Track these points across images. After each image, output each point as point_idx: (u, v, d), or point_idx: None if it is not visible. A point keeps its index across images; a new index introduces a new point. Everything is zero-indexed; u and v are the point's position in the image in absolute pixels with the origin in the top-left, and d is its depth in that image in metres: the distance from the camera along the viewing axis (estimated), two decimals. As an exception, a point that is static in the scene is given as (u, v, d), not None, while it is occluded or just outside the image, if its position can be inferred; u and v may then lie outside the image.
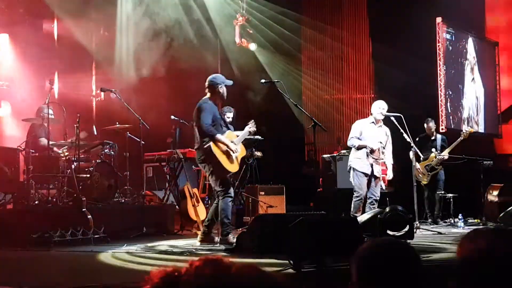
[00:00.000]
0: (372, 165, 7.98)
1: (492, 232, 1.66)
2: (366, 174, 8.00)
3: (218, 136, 6.71)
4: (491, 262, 1.55)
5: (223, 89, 6.86)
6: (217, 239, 6.90)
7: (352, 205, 7.97)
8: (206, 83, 6.89)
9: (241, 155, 7.13)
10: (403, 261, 1.65)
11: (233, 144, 6.83)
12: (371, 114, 8.25)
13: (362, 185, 8.00)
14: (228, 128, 7.51)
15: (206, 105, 6.75)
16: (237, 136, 7.20)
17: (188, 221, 8.81)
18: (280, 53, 13.16)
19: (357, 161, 8.06)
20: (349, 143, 8.20)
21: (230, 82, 7.01)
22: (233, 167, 6.89)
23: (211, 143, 6.66)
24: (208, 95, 6.85)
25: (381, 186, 8.14)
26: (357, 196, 7.99)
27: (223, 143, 6.73)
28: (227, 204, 6.76)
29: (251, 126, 7.31)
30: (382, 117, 8.13)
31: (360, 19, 13.55)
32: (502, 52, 13.50)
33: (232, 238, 6.67)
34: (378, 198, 8.06)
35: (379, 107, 8.15)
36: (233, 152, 6.81)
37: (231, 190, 6.90)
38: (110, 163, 8.92)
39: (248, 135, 7.41)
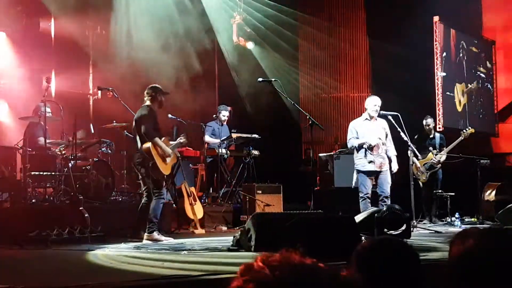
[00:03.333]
0: (373, 162, 8.04)
1: (481, 232, 1.66)
2: (369, 173, 8.06)
3: (157, 139, 7.22)
4: (479, 261, 1.56)
5: (160, 97, 7.44)
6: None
7: (361, 206, 7.94)
8: (146, 92, 7.45)
9: (172, 162, 7.70)
10: (402, 260, 1.66)
11: (168, 149, 7.34)
12: (366, 110, 8.28)
13: (366, 185, 8.06)
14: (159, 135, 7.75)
15: (146, 111, 7.28)
16: (171, 144, 7.65)
17: (185, 219, 8.81)
18: (277, 52, 13.16)
19: (359, 161, 8.12)
20: (349, 145, 8.30)
21: (167, 93, 7.67)
22: (166, 170, 7.42)
23: (150, 145, 7.13)
24: (148, 102, 7.38)
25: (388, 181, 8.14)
26: (361, 197, 8.00)
27: (160, 147, 7.24)
28: (158, 205, 7.27)
29: (182, 139, 7.83)
30: (376, 114, 8.16)
31: (357, 17, 13.56)
32: (499, 51, 13.54)
33: (157, 235, 7.14)
34: (388, 195, 8.05)
35: (374, 104, 8.19)
36: (167, 157, 7.34)
37: (164, 192, 7.52)
38: (107, 162, 8.92)
39: (179, 146, 7.99)
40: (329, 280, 1.18)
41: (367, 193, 8.04)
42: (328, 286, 1.17)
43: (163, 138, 7.43)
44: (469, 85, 12.75)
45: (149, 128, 7.16)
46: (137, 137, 7.30)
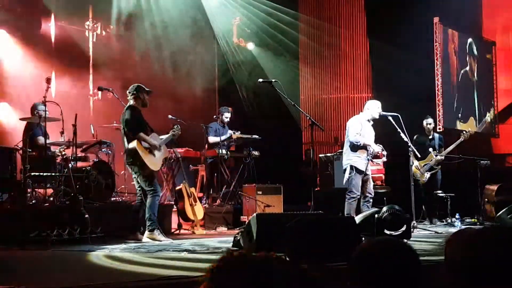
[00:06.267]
0: (367, 163, 7.99)
1: (476, 232, 1.66)
2: (363, 173, 7.96)
3: (141, 134, 7.25)
4: (474, 262, 1.56)
5: (143, 96, 7.47)
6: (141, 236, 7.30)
7: (347, 207, 7.86)
8: (128, 91, 7.50)
9: (164, 156, 7.72)
10: (402, 261, 1.66)
11: (154, 141, 7.36)
12: (368, 111, 8.18)
13: (359, 185, 7.94)
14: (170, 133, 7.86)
15: (129, 110, 7.33)
16: (161, 139, 7.67)
17: (185, 220, 8.81)
18: (277, 52, 13.17)
19: (358, 159, 7.95)
20: (353, 139, 7.93)
21: (150, 91, 7.64)
22: (155, 166, 7.41)
23: (135, 142, 7.16)
24: (131, 102, 7.43)
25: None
26: (353, 197, 7.89)
27: (145, 140, 7.28)
28: (155, 202, 7.32)
29: (175, 130, 7.83)
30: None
31: (358, 17, 13.57)
32: (499, 52, 13.55)
33: (158, 233, 7.20)
34: (373, 195, 8.08)
35: (378, 107, 8.16)
36: (155, 149, 7.35)
37: (159, 189, 7.52)
38: (107, 163, 8.92)
39: (171, 138, 7.90)
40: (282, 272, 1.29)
41: (359, 195, 7.95)
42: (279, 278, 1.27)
43: (151, 134, 7.46)
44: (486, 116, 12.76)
45: (131, 126, 7.22)
46: (124, 138, 7.36)
